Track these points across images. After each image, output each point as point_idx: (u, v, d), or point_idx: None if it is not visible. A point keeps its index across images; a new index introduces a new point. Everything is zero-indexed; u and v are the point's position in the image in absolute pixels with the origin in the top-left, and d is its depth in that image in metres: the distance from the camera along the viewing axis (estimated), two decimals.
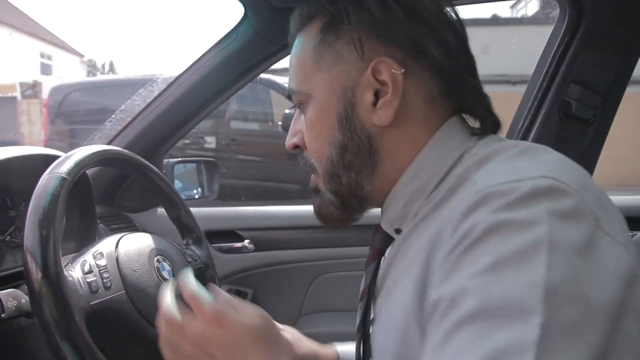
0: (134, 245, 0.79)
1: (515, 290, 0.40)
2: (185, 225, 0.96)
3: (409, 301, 0.53)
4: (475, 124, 0.64)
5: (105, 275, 0.72)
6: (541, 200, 0.44)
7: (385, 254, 0.67)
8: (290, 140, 0.67)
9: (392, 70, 0.58)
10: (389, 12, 0.58)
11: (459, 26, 0.63)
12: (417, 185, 0.60)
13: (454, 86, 0.61)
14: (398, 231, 0.63)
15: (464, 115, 0.63)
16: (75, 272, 0.70)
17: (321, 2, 0.62)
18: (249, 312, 0.53)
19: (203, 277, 0.95)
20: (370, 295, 0.67)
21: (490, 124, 0.63)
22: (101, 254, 0.75)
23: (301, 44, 0.64)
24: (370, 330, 0.67)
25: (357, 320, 0.69)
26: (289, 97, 0.68)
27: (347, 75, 0.60)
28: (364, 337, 0.68)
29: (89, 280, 0.70)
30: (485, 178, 0.49)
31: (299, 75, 0.64)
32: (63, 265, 0.65)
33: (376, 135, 0.60)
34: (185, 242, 0.96)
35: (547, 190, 0.44)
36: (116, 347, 0.70)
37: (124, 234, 0.82)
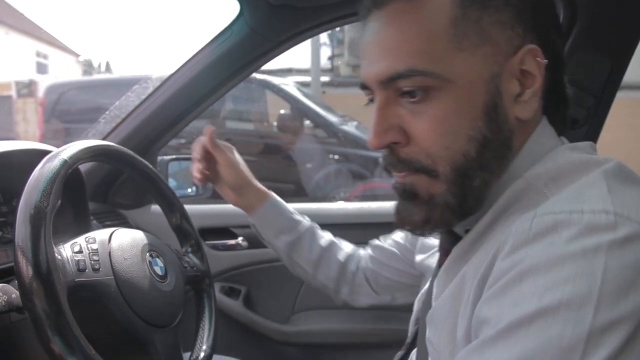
0: (127, 238, 0.79)
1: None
2: (184, 232, 0.95)
3: (468, 297, 0.52)
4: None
5: (95, 258, 0.71)
6: (596, 239, 0.42)
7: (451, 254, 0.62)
8: (383, 138, 0.55)
9: (538, 59, 0.53)
10: None
11: None
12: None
13: (559, 82, 0.58)
14: (467, 231, 0.58)
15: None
16: (64, 251, 0.69)
17: None
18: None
19: (199, 285, 0.95)
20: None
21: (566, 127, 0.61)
22: (94, 239, 0.74)
23: (428, 12, 0.52)
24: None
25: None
26: (364, 87, 0.58)
27: (494, 61, 0.52)
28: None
29: (77, 258, 0.69)
30: (548, 204, 0.47)
31: (427, 54, 0.52)
32: (53, 246, 0.64)
33: (514, 131, 0.54)
34: (184, 250, 0.96)
35: (605, 228, 0.42)
36: (95, 330, 0.68)
37: (118, 228, 0.81)
